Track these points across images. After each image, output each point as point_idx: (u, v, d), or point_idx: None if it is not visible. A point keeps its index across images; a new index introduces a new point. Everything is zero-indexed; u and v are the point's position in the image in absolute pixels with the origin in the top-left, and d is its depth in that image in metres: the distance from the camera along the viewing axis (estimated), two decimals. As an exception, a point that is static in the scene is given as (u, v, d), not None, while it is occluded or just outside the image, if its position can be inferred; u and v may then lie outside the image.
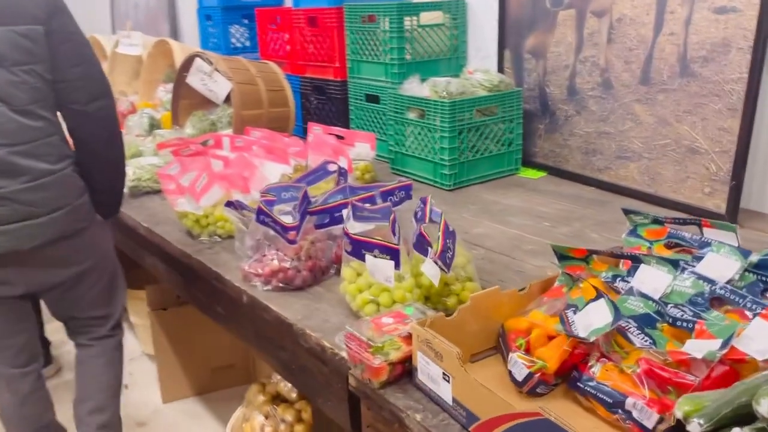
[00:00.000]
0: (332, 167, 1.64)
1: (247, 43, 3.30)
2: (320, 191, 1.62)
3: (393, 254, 1.13)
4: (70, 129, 1.61)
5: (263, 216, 1.33)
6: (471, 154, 2.02)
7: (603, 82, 1.89)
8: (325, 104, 2.63)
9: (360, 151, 1.99)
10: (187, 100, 2.49)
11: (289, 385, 1.93)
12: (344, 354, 1.09)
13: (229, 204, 1.46)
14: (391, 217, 1.19)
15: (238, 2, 3.23)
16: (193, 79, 2.19)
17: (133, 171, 2.07)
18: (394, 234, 1.17)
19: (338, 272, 1.33)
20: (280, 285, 1.34)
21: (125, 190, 2.02)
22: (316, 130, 2.11)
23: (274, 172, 1.81)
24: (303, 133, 2.34)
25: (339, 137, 2.03)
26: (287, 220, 1.33)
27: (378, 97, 2.33)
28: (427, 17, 2.25)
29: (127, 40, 2.86)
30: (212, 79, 2.15)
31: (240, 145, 1.97)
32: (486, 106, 2.01)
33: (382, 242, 1.15)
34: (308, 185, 1.63)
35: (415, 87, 2.10)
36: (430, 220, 1.22)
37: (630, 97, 1.83)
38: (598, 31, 1.88)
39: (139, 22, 4.78)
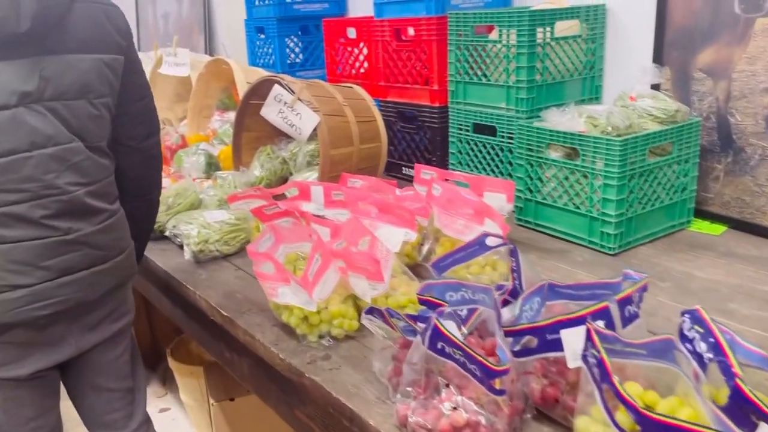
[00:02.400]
0: (493, 241, 1.17)
1: (298, 59, 2.85)
2: (465, 273, 1.17)
3: None
4: (121, 168, 1.38)
5: (443, 342, 0.86)
6: (640, 207, 1.54)
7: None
8: (413, 135, 2.17)
9: (491, 203, 1.52)
10: (251, 133, 2.04)
11: None
12: None
13: (372, 312, 0.99)
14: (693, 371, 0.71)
15: (296, 12, 2.78)
16: (270, 111, 1.73)
17: (198, 230, 1.62)
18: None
19: (535, 416, 0.88)
20: (465, 445, 0.87)
21: (187, 256, 1.58)
22: (428, 174, 1.64)
23: (393, 239, 1.34)
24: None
25: (460, 184, 1.56)
26: (485, 355, 0.86)
27: (494, 129, 1.86)
28: (562, 27, 1.78)
29: (173, 59, 2.42)
30: (294, 111, 1.70)
31: (339, 199, 1.51)
32: (660, 143, 1.53)
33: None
34: (452, 265, 1.17)
35: (558, 117, 1.63)
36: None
37: None
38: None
39: (169, 35, 4.36)
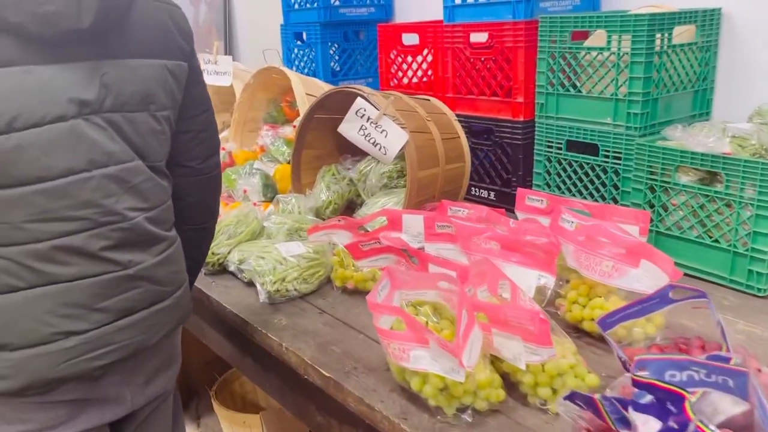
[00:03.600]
0: (680, 294, 0.95)
1: (337, 68, 2.63)
2: (634, 331, 0.96)
3: None
4: (178, 192, 1.18)
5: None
6: (793, 241, 1.33)
7: None
8: (488, 152, 1.95)
9: (618, 235, 1.30)
10: (311, 151, 1.82)
11: None
12: None
13: (573, 397, 0.76)
14: None
15: (341, 17, 2.56)
16: (350, 128, 1.51)
17: (273, 266, 1.39)
18: None
19: None
20: None
21: (262, 297, 1.36)
22: (537, 201, 1.43)
23: (523, 284, 1.12)
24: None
25: (580, 213, 1.35)
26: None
27: (595, 147, 1.65)
28: (677, 33, 1.57)
29: (213, 67, 2.19)
30: (378, 129, 1.47)
31: (446, 231, 1.28)
32: (816, 167, 1.32)
33: None
34: (620, 322, 0.96)
35: (689, 136, 1.42)
36: None
37: None
38: None
39: (183, 42, 4.13)
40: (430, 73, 2.14)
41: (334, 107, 1.73)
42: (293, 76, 1.88)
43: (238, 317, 1.36)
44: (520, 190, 1.47)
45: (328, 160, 1.86)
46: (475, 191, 2.03)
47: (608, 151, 1.62)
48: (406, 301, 1.09)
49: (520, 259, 1.16)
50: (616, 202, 1.63)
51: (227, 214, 1.62)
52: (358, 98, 1.49)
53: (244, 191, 1.80)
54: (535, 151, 1.81)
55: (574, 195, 1.73)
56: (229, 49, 3.87)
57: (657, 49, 1.52)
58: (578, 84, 1.67)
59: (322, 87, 1.97)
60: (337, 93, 1.62)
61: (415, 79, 2.21)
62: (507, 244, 1.19)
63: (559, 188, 1.77)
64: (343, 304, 1.38)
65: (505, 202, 1.93)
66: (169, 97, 1.08)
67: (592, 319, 1.16)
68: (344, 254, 1.43)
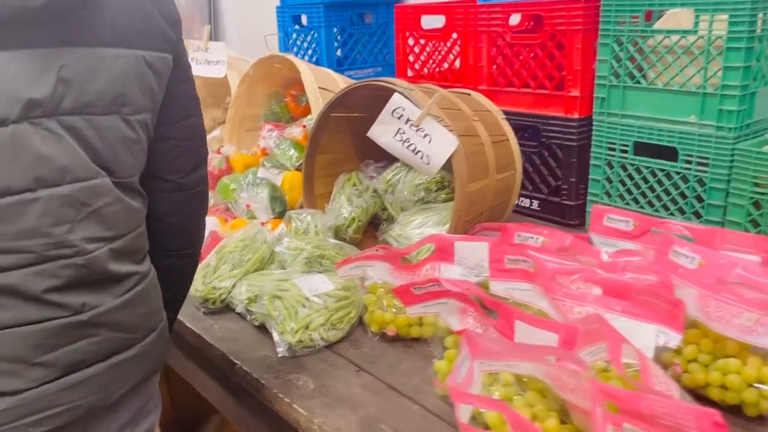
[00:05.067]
0: None
1: (342, 55, 2.32)
2: None
3: None
4: (155, 212, 0.96)
5: None
6: None
7: None
8: (531, 155, 1.66)
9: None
10: (325, 156, 1.52)
11: None
12: None
13: None
14: None
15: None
16: (383, 132, 1.21)
17: (293, 308, 1.09)
18: None
19: None
20: None
21: (281, 349, 1.07)
22: (620, 221, 1.15)
23: (641, 342, 0.84)
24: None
25: (681, 238, 1.07)
26: None
27: (674, 150, 1.37)
28: None
29: (204, 56, 1.87)
30: (420, 132, 1.18)
31: (520, 267, 0.99)
32: None
33: None
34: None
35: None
36: None
37: None
38: None
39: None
40: (455, 63, 1.84)
41: (353, 104, 1.43)
42: (303, 66, 1.57)
43: (251, 376, 1.06)
44: (597, 208, 1.19)
45: (345, 167, 1.56)
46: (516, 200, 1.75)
47: (691, 156, 1.34)
48: (485, 371, 0.81)
49: (631, 310, 0.88)
50: (698, 216, 1.36)
51: (230, 237, 1.32)
52: (395, 95, 1.19)
53: (247, 206, 1.49)
54: (592, 154, 1.53)
55: (642, 207, 1.45)
56: (214, 34, 3.54)
57: (758, 32, 1.24)
58: (652, 75, 1.39)
59: (335, 79, 1.67)
60: (362, 88, 1.32)
61: (438, 69, 1.91)
62: (612, 289, 0.91)
63: (622, 198, 1.49)
64: (385, 357, 1.09)
65: (552, 214, 1.65)
66: (147, 98, 0.85)
67: (722, 386, 0.89)
68: (382, 292, 1.14)
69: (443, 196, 1.36)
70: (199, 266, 1.28)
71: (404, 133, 1.20)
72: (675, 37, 1.32)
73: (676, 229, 1.09)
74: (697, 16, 1.28)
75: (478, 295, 0.90)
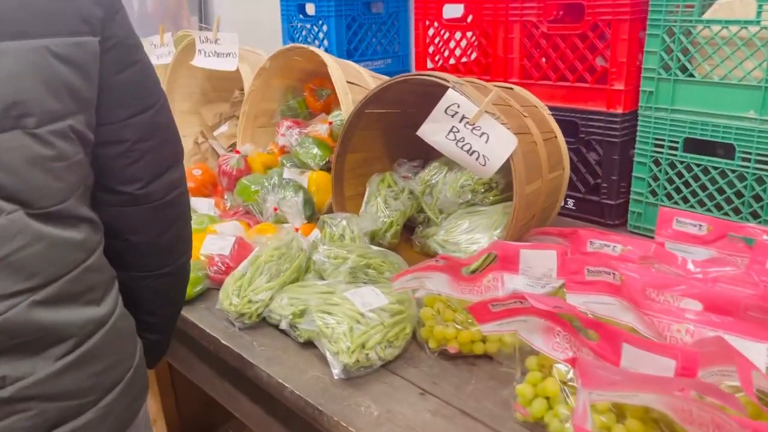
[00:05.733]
0: None
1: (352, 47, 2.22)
2: None
3: None
4: (118, 231, 0.80)
5: None
6: None
7: None
8: (570, 151, 1.57)
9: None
10: (356, 154, 1.42)
11: None
12: None
13: None
14: None
15: (358, -14, 2.14)
16: (436, 130, 1.11)
17: (348, 325, 0.99)
18: None
19: None
20: None
21: (336, 370, 0.98)
22: (692, 226, 1.07)
23: (757, 362, 0.77)
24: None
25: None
26: None
27: (731, 147, 1.30)
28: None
29: (213, 47, 1.75)
30: (477, 131, 1.08)
31: (601, 279, 0.91)
32: None
33: None
34: None
35: None
36: None
37: None
38: None
39: (147, 18, 3.63)
40: (472, 55, 1.75)
41: (388, 99, 1.33)
42: (329, 59, 1.46)
43: (306, 402, 0.97)
44: (665, 211, 1.11)
45: (376, 166, 1.46)
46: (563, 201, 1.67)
47: (749, 154, 1.27)
48: (594, 401, 0.73)
49: (737, 327, 0.80)
50: (756, 217, 1.29)
51: (264, 246, 1.22)
52: (450, 91, 1.09)
53: (274, 210, 1.39)
54: (637, 151, 1.46)
55: (692, 206, 1.38)
56: (208, 20, 3.40)
57: (827, 21, 1.18)
58: (707, 67, 1.31)
59: (360, 72, 1.57)
60: (402, 83, 1.22)
61: (464, 59, 1.82)
62: (713, 304, 0.83)
63: (670, 197, 1.42)
64: (448, 377, 1.00)
65: (590, 213, 1.58)
66: (65, 99, 0.68)
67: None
68: (441, 305, 1.05)
69: (491, 198, 1.28)
70: (233, 277, 1.18)
71: (458, 131, 1.10)
72: (734, 28, 1.25)
73: (757, 233, 1.02)
74: (759, 6, 1.21)
75: (572, 313, 0.82)
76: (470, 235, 1.23)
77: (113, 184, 0.78)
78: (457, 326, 1.02)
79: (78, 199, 0.72)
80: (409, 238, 1.43)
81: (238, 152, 1.58)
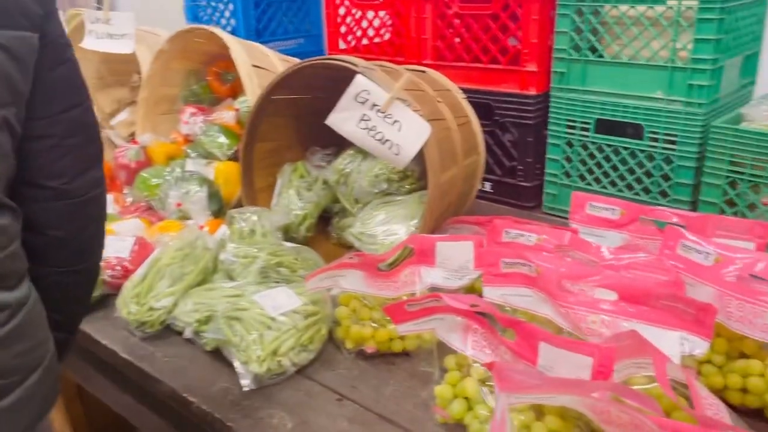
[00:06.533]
0: None
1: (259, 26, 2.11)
2: None
3: None
4: (35, 225, 0.80)
5: None
6: None
7: None
8: (485, 134, 1.56)
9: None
10: (265, 143, 1.34)
11: None
12: None
13: None
14: None
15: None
16: (345, 119, 1.05)
17: (257, 331, 0.93)
18: None
19: None
20: None
21: (245, 381, 0.92)
22: (604, 209, 1.07)
23: (669, 352, 0.77)
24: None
25: (660, 225, 1.01)
26: None
27: (639, 128, 1.31)
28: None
29: (105, 28, 1.60)
30: (389, 120, 1.03)
31: (522, 271, 0.89)
32: None
33: None
34: None
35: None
36: None
37: None
38: None
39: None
40: (386, 35, 1.70)
41: (297, 84, 1.26)
42: (232, 41, 1.37)
43: (212, 417, 0.90)
44: (578, 195, 1.10)
45: (286, 155, 1.39)
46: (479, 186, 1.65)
47: (657, 134, 1.29)
48: (512, 405, 0.70)
49: (651, 316, 0.80)
50: (665, 196, 1.32)
51: (164, 246, 1.13)
52: (359, 77, 1.03)
53: (177, 205, 1.29)
54: (550, 132, 1.45)
55: (605, 187, 1.40)
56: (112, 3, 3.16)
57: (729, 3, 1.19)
58: (616, 48, 1.31)
59: (267, 55, 1.48)
60: (310, 67, 1.15)
61: (377, 40, 1.76)
62: (628, 293, 0.82)
63: (583, 178, 1.43)
64: (366, 379, 0.96)
65: (507, 196, 1.57)
66: (2, 89, 0.69)
67: (742, 389, 0.84)
68: (357, 304, 1.00)
69: (407, 186, 1.23)
70: (131, 282, 1.09)
71: (369, 120, 1.05)
72: (642, 8, 1.25)
73: (667, 216, 1.02)
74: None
75: (490, 311, 0.78)
76: (387, 226, 1.18)
77: (38, 178, 0.78)
78: (373, 325, 0.98)
79: (1, 189, 0.72)
80: (325, 229, 1.37)
81: (136, 143, 1.46)
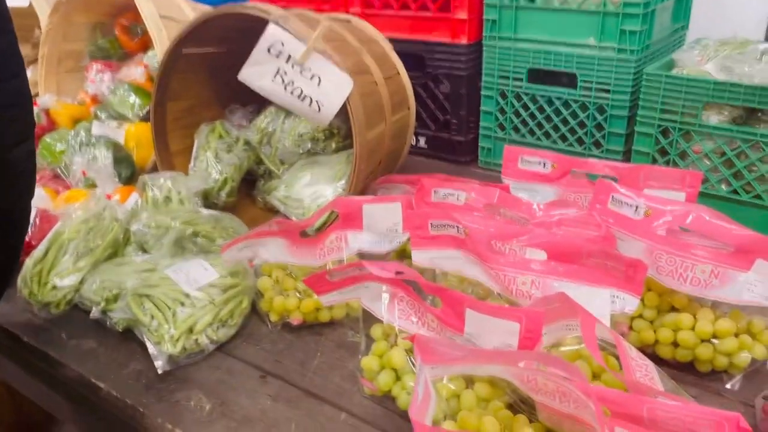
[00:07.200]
0: None
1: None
2: None
3: None
4: None
5: None
6: (843, 190, 1.08)
7: None
8: (417, 87, 1.49)
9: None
10: (178, 102, 1.24)
11: None
12: None
13: None
14: None
15: None
16: (259, 74, 0.96)
17: (170, 309, 0.86)
18: None
19: None
20: None
21: (159, 362, 0.85)
22: (537, 163, 1.04)
23: (595, 311, 0.74)
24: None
25: (592, 177, 0.98)
26: None
27: (573, 77, 1.27)
28: None
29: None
30: (307, 74, 0.95)
31: (451, 233, 0.84)
32: None
33: None
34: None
35: (702, 61, 1.09)
36: None
37: None
38: None
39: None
40: (322, -20, 1.59)
41: (210, 37, 1.16)
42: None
43: (124, 403, 0.83)
44: (509, 149, 1.06)
45: (204, 115, 1.29)
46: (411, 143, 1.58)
47: (590, 82, 1.25)
48: (436, 377, 0.67)
49: (581, 274, 0.77)
50: (598, 146, 1.29)
51: (67, 218, 1.03)
52: (271, 26, 0.94)
53: (83, 173, 1.19)
54: (483, 84, 1.40)
55: (539, 139, 1.36)
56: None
57: (660, -57, 1.15)
58: (547, -7, 1.26)
59: (178, 5, 1.36)
60: (220, 17, 1.05)
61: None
62: (557, 252, 0.78)
63: (517, 130, 1.39)
64: (292, 352, 0.90)
65: (442, 151, 1.52)
66: None
67: (673, 343, 0.83)
68: (281, 273, 0.94)
69: (333, 145, 1.16)
70: (32, 259, 0.99)
71: (286, 74, 0.97)
72: (573, -50, 1.19)
73: (598, 168, 0.99)
74: (597, -75, 1.16)
75: (415, 279, 0.74)
76: (313, 188, 1.11)
77: None
78: (298, 295, 0.92)
79: None
80: (250, 193, 1.30)
81: (36, 105, 1.33)
